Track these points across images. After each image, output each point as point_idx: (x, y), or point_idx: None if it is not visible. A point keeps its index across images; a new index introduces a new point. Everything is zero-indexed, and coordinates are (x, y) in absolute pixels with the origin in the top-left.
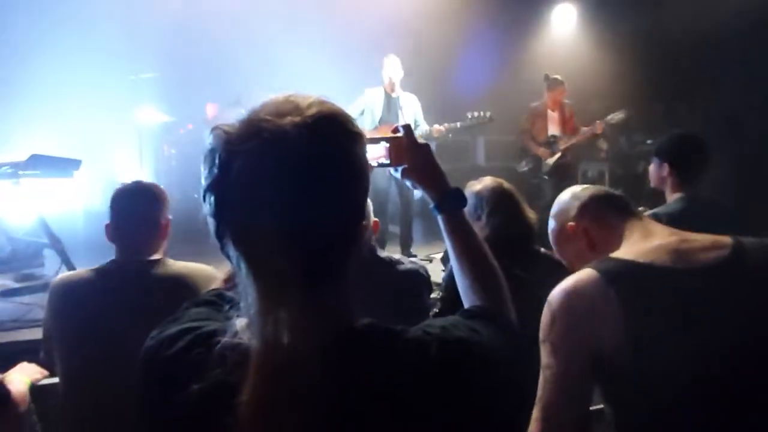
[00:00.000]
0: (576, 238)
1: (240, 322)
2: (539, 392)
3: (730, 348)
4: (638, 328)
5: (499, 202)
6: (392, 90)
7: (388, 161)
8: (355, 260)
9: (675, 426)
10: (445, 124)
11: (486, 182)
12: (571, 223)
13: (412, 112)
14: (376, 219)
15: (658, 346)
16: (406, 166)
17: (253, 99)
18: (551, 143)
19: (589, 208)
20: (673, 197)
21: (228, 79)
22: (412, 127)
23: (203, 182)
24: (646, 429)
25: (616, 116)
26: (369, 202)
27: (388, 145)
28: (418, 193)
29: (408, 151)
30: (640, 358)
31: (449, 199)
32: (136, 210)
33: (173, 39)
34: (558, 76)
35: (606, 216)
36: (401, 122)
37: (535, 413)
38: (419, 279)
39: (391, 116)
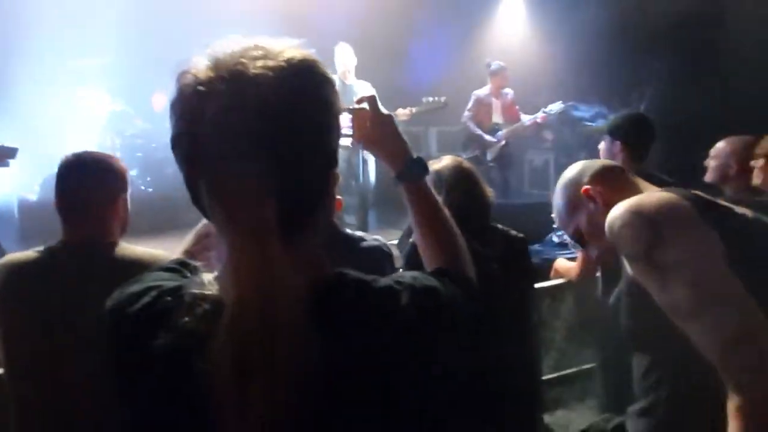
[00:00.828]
0: (589, 202)
1: (207, 276)
2: (721, 335)
3: None
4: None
5: (458, 180)
6: (346, 78)
7: (351, 132)
8: (327, 211)
9: None
10: (401, 109)
11: (446, 161)
12: (587, 187)
13: None
14: (340, 197)
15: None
16: (368, 137)
17: None
18: (495, 130)
19: (602, 174)
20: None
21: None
22: None
23: (172, 130)
24: None
25: (555, 106)
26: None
27: (351, 116)
28: (372, 180)
29: (371, 121)
30: None
31: (411, 168)
32: (88, 183)
33: (124, 22)
34: (500, 63)
35: (617, 178)
36: None
37: (733, 337)
38: (382, 255)
39: (346, 104)
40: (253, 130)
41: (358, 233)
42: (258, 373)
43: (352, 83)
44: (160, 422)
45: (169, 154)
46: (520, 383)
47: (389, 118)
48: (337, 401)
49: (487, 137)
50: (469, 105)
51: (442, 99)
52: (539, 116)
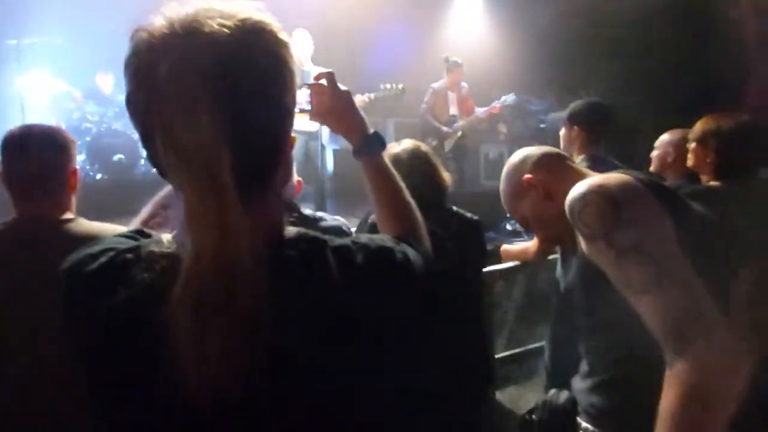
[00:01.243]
0: (532, 190)
1: (165, 236)
2: (667, 310)
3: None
4: (682, 236)
5: (416, 162)
6: (302, 64)
7: (309, 107)
8: (284, 173)
9: None
10: (358, 95)
11: (404, 144)
12: (528, 176)
13: None
14: (300, 179)
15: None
16: (326, 112)
17: None
18: (452, 122)
19: (543, 162)
20: (578, 158)
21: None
22: None
23: (127, 88)
24: None
25: (508, 97)
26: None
27: (309, 91)
28: (330, 168)
29: (330, 97)
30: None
31: (368, 143)
32: (36, 155)
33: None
34: (457, 59)
35: (559, 167)
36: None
37: (665, 307)
38: (342, 235)
39: (303, 90)
40: (208, 83)
41: (319, 213)
42: (214, 325)
43: (309, 69)
44: (118, 377)
45: (118, 140)
46: (473, 359)
47: (347, 94)
48: (291, 353)
49: (444, 128)
50: (426, 97)
51: (400, 86)
52: (494, 106)
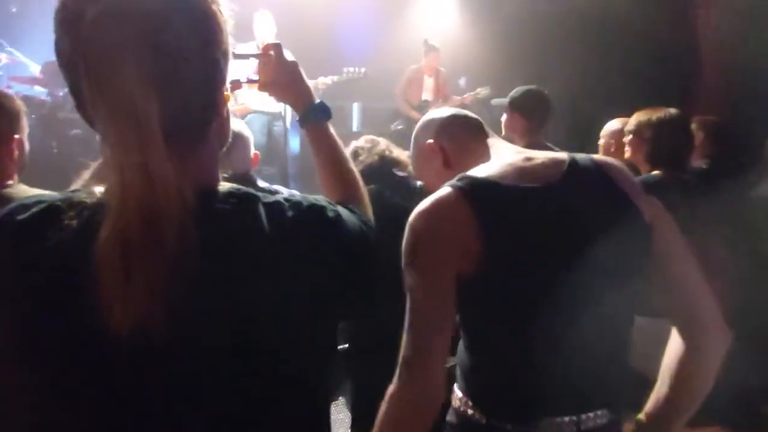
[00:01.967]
0: (434, 156)
1: (97, 187)
2: (408, 317)
3: (566, 261)
4: (491, 241)
5: (373, 148)
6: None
7: (256, 78)
8: (220, 130)
9: (520, 336)
10: (321, 77)
11: (362, 139)
12: (430, 141)
13: None
14: (257, 152)
15: (508, 257)
16: (273, 82)
17: None
18: (423, 107)
19: (447, 127)
20: (520, 144)
21: None
22: None
23: (55, 37)
24: (497, 342)
25: (482, 91)
26: (250, 133)
27: (258, 62)
28: (295, 149)
29: (277, 68)
30: (493, 268)
31: (313, 112)
32: None
33: None
34: (434, 43)
35: (462, 136)
36: None
37: (405, 338)
38: None
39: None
40: (134, 30)
41: (275, 186)
42: (139, 266)
43: None
44: (44, 317)
45: (76, 115)
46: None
47: (293, 65)
48: (214, 297)
49: (414, 113)
50: (402, 79)
51: (362, 70)
52: (466, 96)
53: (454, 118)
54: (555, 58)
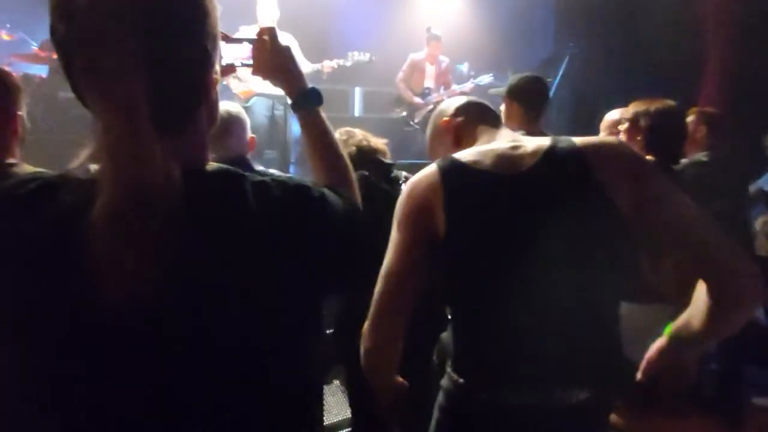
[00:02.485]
0: (446, 133)
1: (93, 166)
2: (385, 259)
3: (516, 246)
4: (453, 219)
5: (350, 140)
6: None
7: (250, 62)
8: (209, 113)
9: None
10: (327, 61)
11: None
12: (446, 119)
13: None
14: (253, 135)
15: (462, 237)
16: (267, 67)
17: None
18: (425, 95)
19: (463, 110)
20: (518, 132)
21: None
22: None
23: (50, 20)
24: (458, 313)
25: (485, 78)
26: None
27: (252, 46)
28: (295, 135)
29: (270, 52)
30: (450, 245)
31: (305, 97)
32: None
33: None
34: (437, 32)
35: (475, 120)
36: None
37: (380, 278)
38: None
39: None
40: (126, 12)
41: (271, 170)
42: (129, 242)
43: None
44: (37, 289)
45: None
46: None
47: (287, 50)
48: (201, 274)
49: (416, 99)
50: (404, 66)
51: (367, 55)
52: (467, 86)
53: (471, 103)
54: (559, 46)
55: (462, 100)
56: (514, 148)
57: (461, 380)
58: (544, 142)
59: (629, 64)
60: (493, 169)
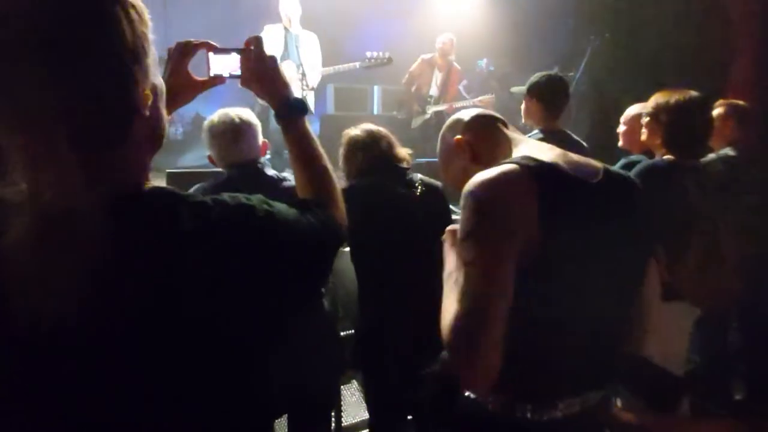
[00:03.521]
0: (461, 152)
1: (21, 185)
2: (463, 287)
3: (598, 255)
4: (551, 223)
5: (373, 141)
6: (290, 26)
7: (238, 73)
8: (146, 131)
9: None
10: (348, 63)
11: (363, 126)
12: (458, 137)
13: (310, 51)
14: (265, 140)
15: (564, 241)
16: (253, 77)
17: None
18: (425, 102)
19: (472, 124)
20: (534, 130)
21: None
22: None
23: None
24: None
25: (485, 98)
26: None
27: (240, 57)
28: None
29: (256, 62)
30: (549, 250)
31: (289, 108)
32: None
33: None
34: (448, 33)
35: (489, 131)
36: (299, 60)
37: (461, 307)
38: None
39: (290, 53)
40: (32, 34)
41: (283, 174)
42: (50, 274)
43: (297, 33)
44: None
45: None
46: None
47: (272, 60)
48: (127, 299)
49: (416, 106)
50: (412, 67)
51: (386, 55)
52: (466, 103)
53: (478, 116)
54: (581, 40)
55: (470, 114)
56: (565, 154)
57: (501, 396)
58: (588, 159)
59: (653, 56)
60: (575, 173)
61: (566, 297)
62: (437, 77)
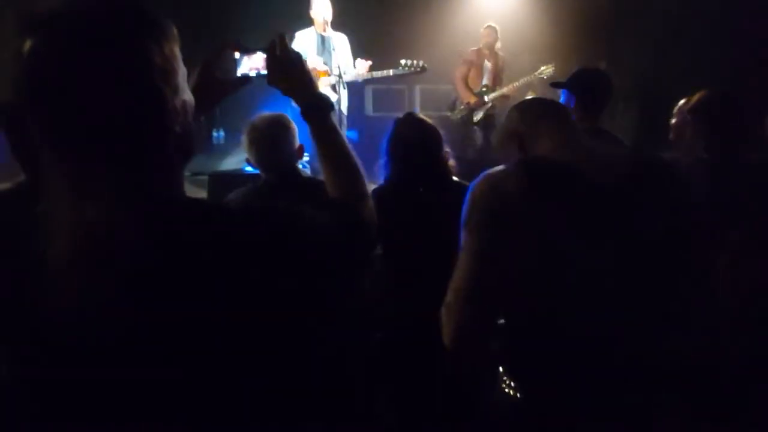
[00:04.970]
0: (512, 140)
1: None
2: (456, 269)
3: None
4: (546, 224)
5: (418, 138)
6: (324, 29)
7: (265, 72)
8: (179, 146)
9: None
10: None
11: (408, 119)
12: (512, 126)
13: (343, 52)
14: (301, 143)
15: (561, 242)
16: (279, 76)
17: None
18: (483, 93)
19: (524, 114)
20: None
21: None
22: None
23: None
24: (539, 328)
25: (545, 70)
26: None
27: (265, 56)
28: (351, 137)
29: (281, 60)
30: (545, 250)
31: (316, 105)
32: None
33: None
34: (491, 22)
35: (538, 121)
36: (335, 62)
37: (451, 283)
38: None
39: (324, 56)
40: (67, 65)
41: (319, 177)
42: (90, 278)
43: (329, 35)
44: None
45: None
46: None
47: (297, 57)
48: (158, 308)
49: (474, 99)
50: (461, 63)
51: (420, 63)
52: (526, 79)
53: (532, 104)
54: (628, 35)
55: (524, 102)
56: (591, 150)
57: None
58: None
59: (699, 51)
60: (587, 171)
61: (568, 298)
62: (487, 67)
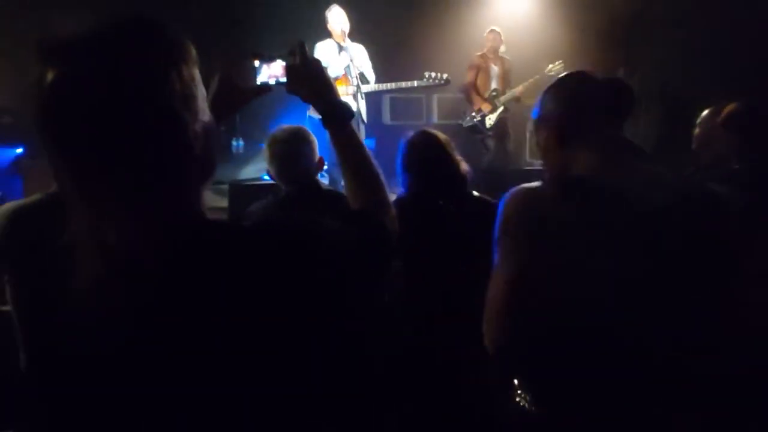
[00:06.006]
0: (550, 136)
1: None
2: (493, 283)
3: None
4: (584, 247)
5: (431, 150)
6: (343, 40)
7: (284, 80)
8: (197, 166)
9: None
10: (402, 83)
11: (419, 133)
12: (544, 117)
13: (362, 62)
14: (321, 156)
15: (595, 265)
16: (298, 83)
17: None
18: (492, 98)
19: (559, 98)
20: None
21: None
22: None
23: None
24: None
25: (555, 67)
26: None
27: (284, 63)
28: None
29: (300, 67)
30: (579, 271)
31: (336, 113)
32: None
33: None
34: (495, 27)
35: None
36: (353, 72)
37: (488, 294)
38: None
39: (344, 65)
40: (84, 94)
41: (340, 190)
42: (116, 294)
43: (347, 45)
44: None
45: None
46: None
47: (317, 63)
48: (180, 325)
49: (486, 104)
50: (468, 69)
51: (444, 76)
52: (535, 78)
53: (568, 82)
54: (651, 39)
55: (554, 85)
56: (619, 165)
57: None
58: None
59: (727, 56)
60: (620, 187)
61: (599, 316)
62: (494, 71)
